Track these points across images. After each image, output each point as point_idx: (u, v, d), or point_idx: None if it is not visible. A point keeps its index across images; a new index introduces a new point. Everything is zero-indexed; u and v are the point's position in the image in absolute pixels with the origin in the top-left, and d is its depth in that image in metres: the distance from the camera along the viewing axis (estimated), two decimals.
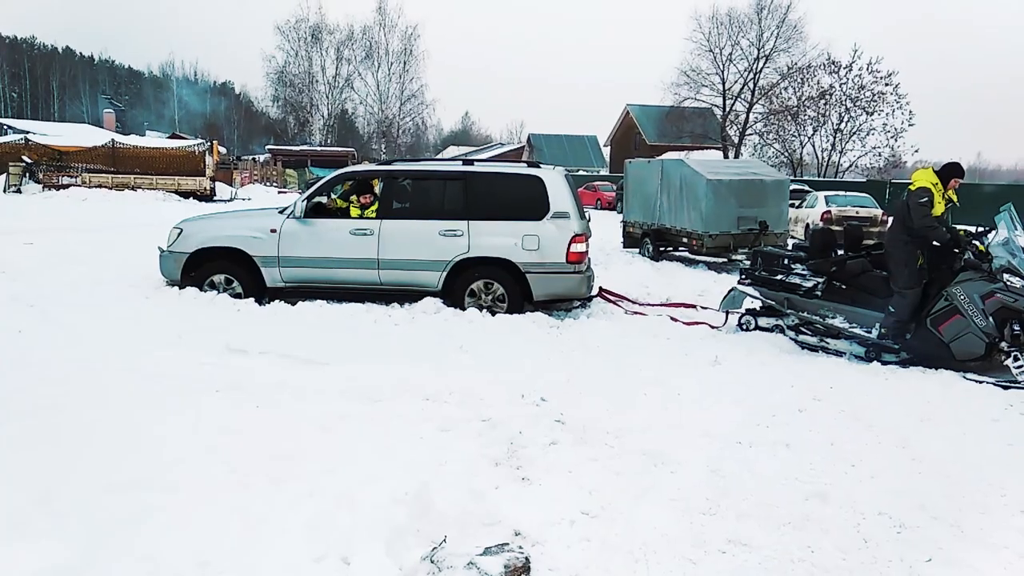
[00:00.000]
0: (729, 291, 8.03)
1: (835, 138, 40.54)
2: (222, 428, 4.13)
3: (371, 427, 4.31)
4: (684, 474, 3.90)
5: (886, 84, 38.21)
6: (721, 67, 43.35)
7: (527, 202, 7.97)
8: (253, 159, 49.25)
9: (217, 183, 29.80)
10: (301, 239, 8.08)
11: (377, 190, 8.49)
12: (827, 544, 3.23)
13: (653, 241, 14.47)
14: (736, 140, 43.39)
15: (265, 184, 40.15)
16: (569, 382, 5.42)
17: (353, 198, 8.64)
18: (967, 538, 3.33)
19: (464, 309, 7.75)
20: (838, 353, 6.82)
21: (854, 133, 39.95)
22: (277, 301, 7.81)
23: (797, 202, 19.84)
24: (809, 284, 7.22)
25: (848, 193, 21.16)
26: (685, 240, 13.51)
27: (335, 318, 7.29)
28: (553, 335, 7.16)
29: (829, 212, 18.43)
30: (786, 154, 41.88)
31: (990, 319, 6.06)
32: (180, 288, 7.98)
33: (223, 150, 40.91)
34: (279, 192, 35.67)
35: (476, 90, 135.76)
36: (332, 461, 3.77)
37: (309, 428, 4.23)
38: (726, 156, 41.24)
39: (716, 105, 44.39)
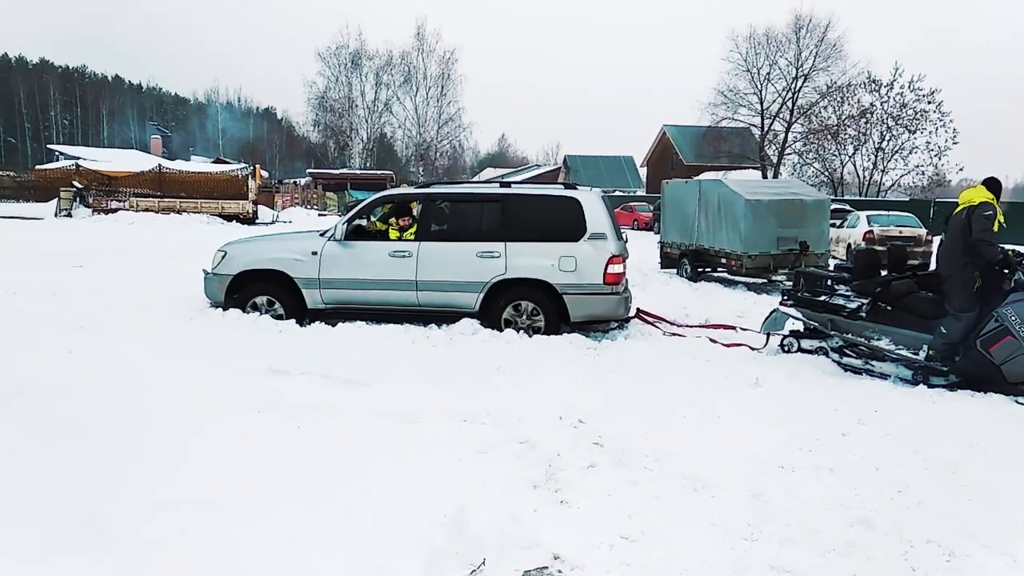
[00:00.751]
0: (771, 312, 7.93)
1: (876, 157, 40.04)
2: (263, 448, 4.19)
3: (409, 448, 4.33)
4: (725, 498, 3.84)
5: (928, 102, 37.75)
6: (759, 87, 43.20)
7: (564, 223, 7.98)
8: (294, 182, 50.12)
9: (259, 206, 30.36)
10: (341, 261, 8.19)
11: (415, 212, 8.59)
12: (873, 572, 3.15)
13: (691, 262, 14.36)
14: (775, 160, 43.04)
15: (306, 207, 40.79)
16: (607, 404, 5.39)
17: (392, 220, 8.74)
18: (1019, 566, 3.22)
19: (502, 330, 7.76)
20: (883, 376, 6.66)
21: (896, 152, 39.45)
22: (318, 322, 7.92)
23: (838, 222, 19.53)
24: (853, 305, 7.09)
25: (891, 212, 20.79)
26: (724, 260, 13.38)
27: (374, 339, 7.36)
28: (591, 357, 7.13)
29: (872, 232, 18.12)
30: (826, 173, 41.38)
31: None
32: (224, 310, 8.14)
33: (265, 174, 41.74)
34: (319, 215, 36.21)
35: (513, 112, 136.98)
36: (370, 482, 3.79)
37: (347, 449, 4.26)
38: (764, 176, 40.90)
39: (754, 125, 44.18)
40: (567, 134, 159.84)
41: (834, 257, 17.20)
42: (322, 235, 8.41)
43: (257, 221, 28.68)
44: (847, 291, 7.28)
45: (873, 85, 39.25)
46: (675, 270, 14.92)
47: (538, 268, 7.91)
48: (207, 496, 3.48)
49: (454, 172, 62.96)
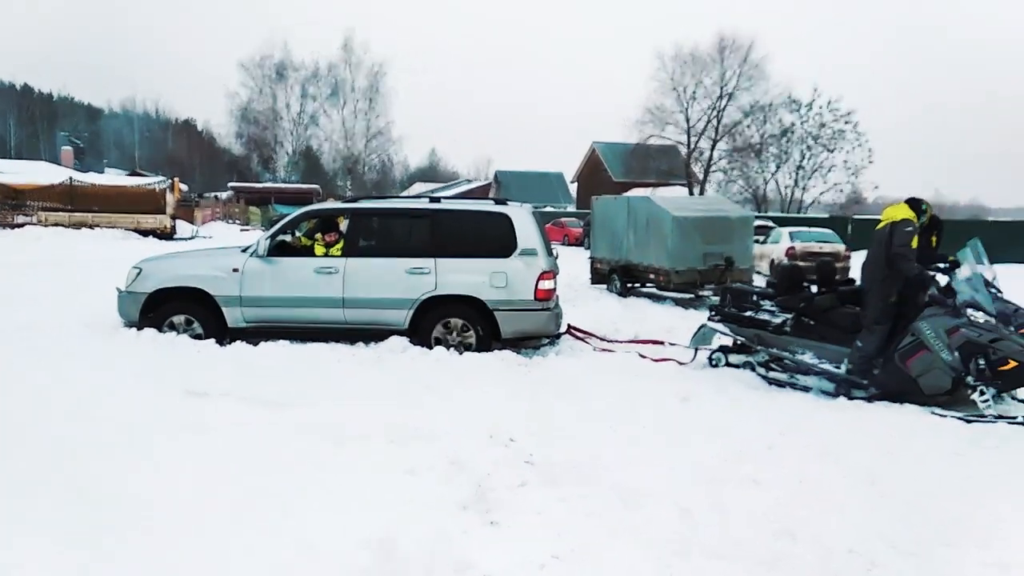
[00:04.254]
0: (699, 328, 8.01)
1: (797, 175, 41.57)
2: (180, 473, 4.01)
3: (336, 470, 4.21)
4: (654, 513, 3.85)
5: (845, 122, 39.41)
6: (685, 105, 44.13)
7: (495, 239, 7.95)
8: (215, 196, 48.84)
9: (178, 221, 29.41)
10: (264, 278, 7.96)
11: (342, 228, 8.43)
12: None
13: (621, 277, 14.53)
14: (701, 177, 44.10)
15: (228, 221, 39.74)
16: (538, 421, 5.36)
17: (318, 236, 8.56)
18: (932, 572, 3.33)
19: (431, 348, 7.66)
20: (806, 389, 6.83)
21: (816, 170, 41.06)
22: (239, 342, 7.66)
23: (762, 238, 20.14)
24: (778, 320, 7.27)
25: (812, 229, 21.55)
26: (652, 276, 13.59)
27: (299, 359, 7.15)
28: (521, 373, 7.10)
29: (793, 248, 18.73)
30: (750, 190, 42.71)
31: (955, 354, 6.11)
32: (138, 329, 7.79)
33: (184, 187, 40.35)
34: (242, 230, 35.31)
35: (443, 127, 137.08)
36: (295, 506, 3.68)
37: (270, 472, 4.12)
38: (691, 193, 41.83)
39: (681, 142, 45.12)
40: (498, 150, 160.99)
41: (759, 272, 17.72)
42: (244, 251, 8.17)
43: (176, 236, 27.75)
44: (772, 307, 7.45)
45: (794, 105, 40.81)
46: (605, 286, 15.08)
47: (469, 284, 7.84)
48: (119, 525, 3.30)
49: (383, 187, 62.42)
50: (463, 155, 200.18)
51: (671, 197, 19.75)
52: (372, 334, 7.87)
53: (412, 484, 4.11)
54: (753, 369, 7.36)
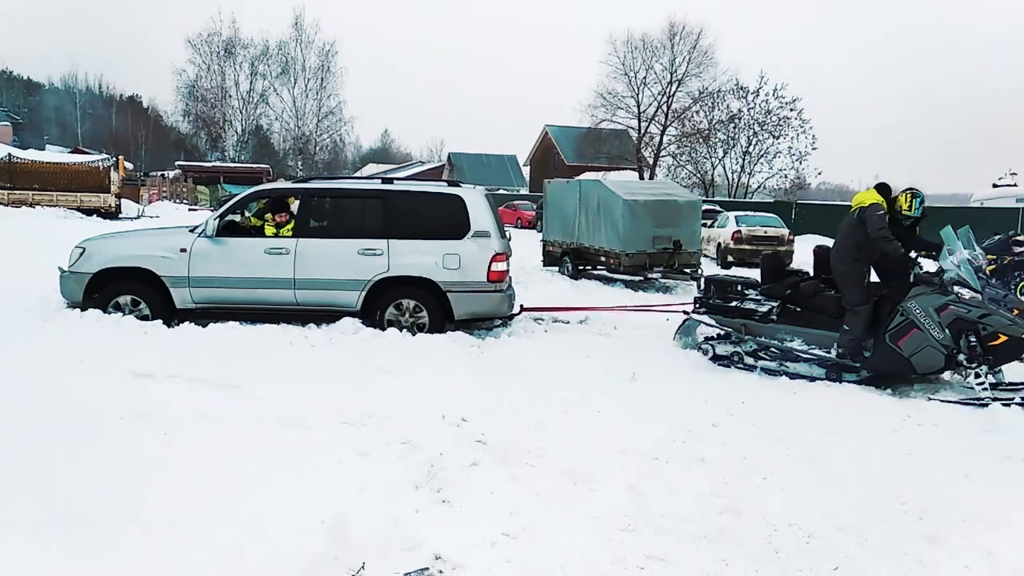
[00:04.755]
0: (684, 321, 7.92)
1: (744, 160, 42.21)
2: (127, 458, 3.95)
3: (287, 453, 4.19)
4: (604, 492, 3.94)
5: (791, 109, 40.08)
6: (636, 90, 44.52)
7: (448, 221, 7.95)
8: (162, 175, 47.56)
9: (123, 200, 28.62)
10: (213, 258, 7.83)
11: (293, 208, 8.32)
12: (741, 556, 3.31)
13: (572, 260, 14.66)
14: (651, 161, 44.55)
15: (175, 201, 38.82)
16: (490, 402, 5.42)
17: (268, 216, 8.44)
18: (870, 546, 3.47)
19: (384, 329, 7.64)
20: (798, 376, 6.79)
21: (762, 156, 41.74)
22: (187, 323, 7.53)
23: (709, 222, 20.49)
24: (764, 309, 7.24)
25: (757, 213, 21.98)
26: (603, 259, 13.74)
27: (248, 340, 7.07)
28: (474, 354, 7.15)
29: (739, 231, 19.10)
30: (698, 175, 43.30)
31: (946, 331, 6.21)
32: (82, 310, 7.60)
33: (130, 166, 39.22)
34: (189, 209, 34.54)
35: (396, 108, 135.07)
36: (246, 490, 3.66)
37: (220, 456, 4.09)
38: (642, 177, 42.29)
39: (632, 127, 45.53)
40: (452, 132, 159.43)
41: (706, 255, 18.03)
42: (192, 231, 8.02)
43: (120, 216, 27.01)
44: (757, 295, 7.44)
45: (741, 92, 41.38)
46: (557, 268, 15.19)
47: (422, 266, 7.83)
48: (64, 513, 3.25)
49: (335, 167, 61.50)
50: (416, 137, 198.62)
51: (622, 181, 19.97)
52: (324, 315, 7.82)
53: (364, 465, 4.12)
54: (742, 360, 7.18)
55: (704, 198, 28.73)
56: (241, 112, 56.26)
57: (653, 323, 9.03)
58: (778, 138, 40.70)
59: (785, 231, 19.48)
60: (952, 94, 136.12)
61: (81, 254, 7.92)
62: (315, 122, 55.30)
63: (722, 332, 7.44)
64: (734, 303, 7.49)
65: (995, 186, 33.63)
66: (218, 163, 50.76)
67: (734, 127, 41.59)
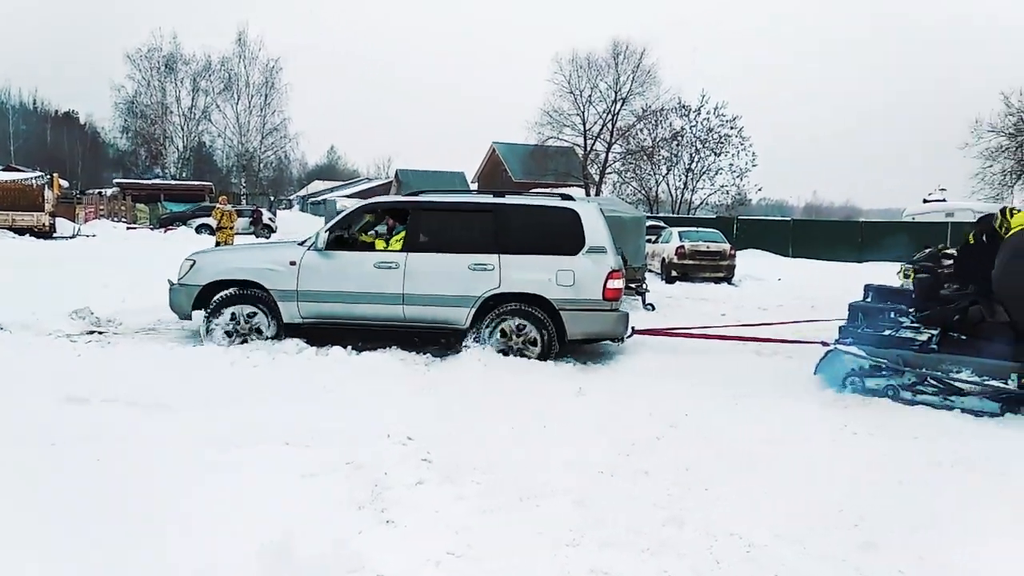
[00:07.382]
0: (826, 352, 7.09)
1: (687, 177, 43.04)
2: (63, 486, 3.82)
3: (227, 476, 4.10)
4: (549, 507, 3.95)
5: (731, 127, 41.09)
6: (582, 108, 45.02)
7: (561, 236, 7.71)
8: (99, 193, 46.18)
9: (58, 219, 27.71)
10: (322, 272, 7.71)
11: (403, 222, 8.20)
12: (683, 567, 3.36)
13: None
14: (597, 178, 45.08)
15: (113, 219, 37.69)
16: (436, 420, 5.40)
17: (378, 230, 8.35)
18: (808, 554, 3.55)
19: (491, 347, 7.54)
20: (968, 411, 6.16)
21: (704, 172, 42.63)
22: (123, 345, 7.35)
23: (654, 237, 20.86)
24: (924, 337, 6.61)
25: (700, 229, 22.42)
26: None
27: (189, 361, 6.93)
28: (420, 373, 7.11)
29: (683, 247, 19.44)
30: (643, 192, 43.96)
31: None
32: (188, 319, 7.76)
33: (65, 183, 37.94)
34: (128, 228, 33.61)
35: (342, 124, 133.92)
36: (186, 516, 3.57)
37: (159, 481, 3.98)
38: (588, 194, 42.72)
39: (578, 144, 46.02)
40: (399, 148, 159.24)
41: (650, 271, 18.29)
42: (301, 244, 7.91)
43: (55, 235, 26.16)
44: (912, 322, 6.89)
45: (683, 110, 42.24)
46: None
47: (534, 282, 7.59)
48: None
49: (280, 184, 60.70)
50: (363, 153, 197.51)
51: None
52: (434, 332, 7.75)
53: (308, 486, 4.06)
54: (897, 393, 6.50)
55: (649, 214, 29.18)
56: (183, 128, 55.08)
57: None
58: (719, 155, 41.67)
59: (727, 246, 19.92)
60: (885, 112, 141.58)
61: (191, 267, 7.91)
62: (259, 139, 54.43)
63: (872, 363, 6.72)
64: (887, 332, 6.88)
65: (926, 201, 34.96)
66: (158, 180, 49.57)
67: (677, 144, 42.41)
